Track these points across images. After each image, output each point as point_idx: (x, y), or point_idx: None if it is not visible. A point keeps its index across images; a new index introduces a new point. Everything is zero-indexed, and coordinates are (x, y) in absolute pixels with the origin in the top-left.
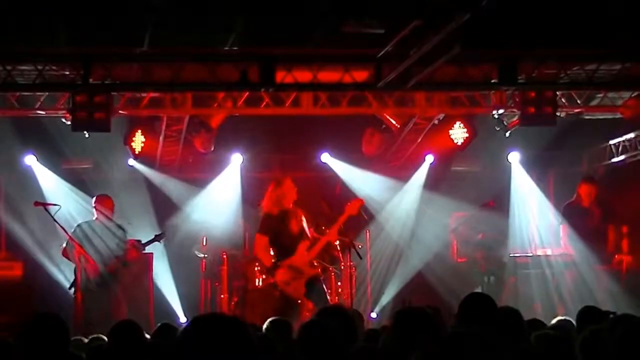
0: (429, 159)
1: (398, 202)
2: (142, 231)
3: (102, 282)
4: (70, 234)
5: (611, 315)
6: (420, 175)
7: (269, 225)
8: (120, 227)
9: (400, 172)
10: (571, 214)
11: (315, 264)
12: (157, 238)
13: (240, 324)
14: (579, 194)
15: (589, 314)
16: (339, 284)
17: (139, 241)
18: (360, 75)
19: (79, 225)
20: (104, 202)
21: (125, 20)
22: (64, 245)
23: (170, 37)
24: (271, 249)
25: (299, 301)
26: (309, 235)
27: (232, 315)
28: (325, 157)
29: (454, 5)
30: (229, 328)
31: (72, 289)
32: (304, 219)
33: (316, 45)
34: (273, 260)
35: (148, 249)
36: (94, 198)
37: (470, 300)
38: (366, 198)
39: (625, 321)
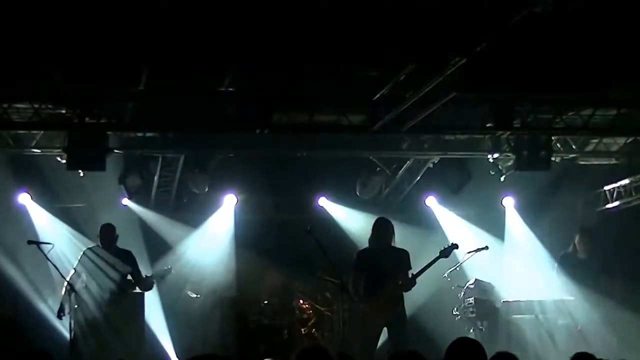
0: (430, 200)
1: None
2: None
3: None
4: (63, 273)
5: None
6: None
7: None
8: (127, 255)
9: (396, 213)
10: (567, 264)
11: (307, 306)
12: (165, 272)
13: None
14: (575, 246)
15: None
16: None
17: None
18: (356, 118)
19: (84, 253)
20: (107, 230)
21: (122, 59)
22: (71, 273)
23: (166, 77)
24: None
25: None
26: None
27: (225, 357)
28: (322, 201)
29: (450, 49)
30: None
31: (64, 316)
32: None
33: (312, 87)
34: None
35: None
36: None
37: (458, 345)
38: (360, 239)
39: None
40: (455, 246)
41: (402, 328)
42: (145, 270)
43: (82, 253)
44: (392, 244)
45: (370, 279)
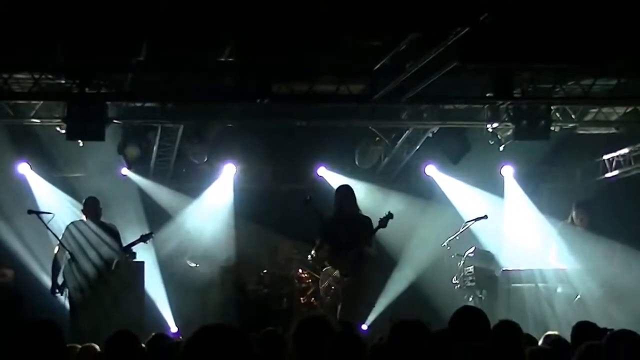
0: (430, 169)
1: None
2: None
3: (92, 287)
4: (64, 242)
5: (608, 332)
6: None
7: None
8: (111, 230)
9: (395, 183)
10: (566, 234)
11: (306, 275)
12: (142, 239)
13: (244, 334)
14: (573, 218)
15: (583, 329)
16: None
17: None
18: (356, 87)
19: (67, 228)
20: (92, 203)
21: (122, 30)
22: (56, 251)
23: (166, 48)
24: None
25: None
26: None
27: (236, 327)
28: (322, 171)
29: (452, 19)
30: (234, 339)
31: (58, 293)
32: None
33: (313, 57)
34: None
35: (140, 257)
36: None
37: (461, 314)
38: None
39: (625, 337)
40: (390, 215)
41: (352, 300)
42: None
43: (66, 228)
44: (356, 211)
45: (332, 248)
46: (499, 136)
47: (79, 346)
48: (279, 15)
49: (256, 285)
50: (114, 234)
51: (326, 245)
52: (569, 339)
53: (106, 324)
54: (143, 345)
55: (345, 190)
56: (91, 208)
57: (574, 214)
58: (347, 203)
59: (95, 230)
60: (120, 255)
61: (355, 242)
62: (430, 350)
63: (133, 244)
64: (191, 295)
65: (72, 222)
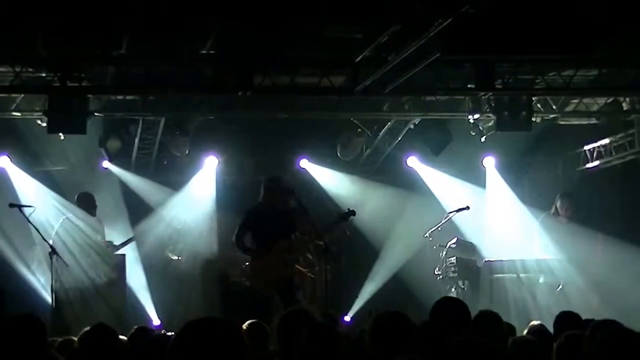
0: (412, 160)
1: (375, 204)
2: (116, 234)
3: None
4: (45, 236)
5: (590, 322)
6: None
7: None
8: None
9: (377, 174)
10: (549, 225)
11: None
12: (129, 241)
13: (235, 327)
14: (557, 209)
15: (565, 319)
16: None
17: (111, 242)
18: (338, 79)
19: (61, 224)
20: (87, 199)
21: (103, 23)
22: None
23: (148, 40)
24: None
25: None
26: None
27: (227, 319)
28: (304, 163)
29: (434, 10)
30: (224, 331)
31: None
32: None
33: (294, 49)
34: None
35: (121, 250)
36: (77, 196)
37: (442, 305)
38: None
39: (606, 327)
40: (352, 212)
41: (290, 294)
42: (126, 233)
43: (61, 220)
44: (285, 204)
45: (258, 240)
46: (480, 127)
47: (59, 339)
48: (261, 5)
49: (239, 278)
50: (98, 227)
51: (247, 233)
52: (551, 329)
53: (89, 317)
54: (124, 338)
55: (273, 184)
56: (85, 204)
57: (558, 203)
58: (272, 195)
59: (86, 223)
60: (104, 249)
61: (283, 235)
62: (411, 342)
63: (121, 246)
64: (173, 288)
65: (66, 218)
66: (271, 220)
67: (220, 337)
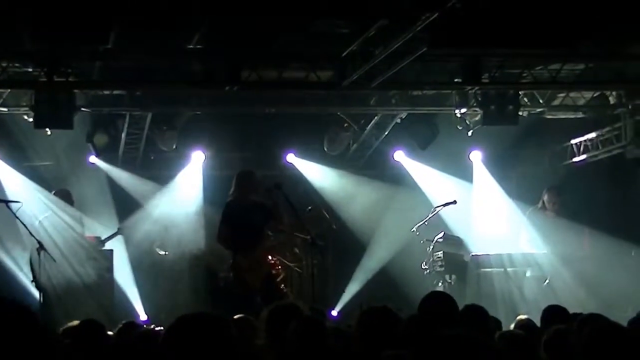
0: (399, 154)
1: (362, 199)
2: (103, 229)
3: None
4: (32, 231)
5: (577, 316)
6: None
7: None
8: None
9: (364, 169)
10: (536, 219)
11: (275, 261)
12: (115, 234)
13: (225, 322)
14: (544, 203)
15: (553, 313)
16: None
17: (99, 237)
18: (325, 74)
19: (40, 222)
20: (63, 196)
21: (90, 18)
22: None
23: (135, 35)
24: None
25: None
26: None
27: (217, 314)
28: (291, 157)
29: (421, 4)
30: (215, 327)
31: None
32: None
33: (282, 44)
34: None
35: (109, 245)
36: (53, 192)
37: (429, 299)
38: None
39: (593, 321)
40: (278, 185)
41: (272, 292)
42: (113, 228)
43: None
44: (256, 197)
45: (239, 234)
46: (467, 121)
47: None
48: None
49: (226, 273)
50: (79, 217)
51: (229, 228)
52: (538, 323)
53: (77, 313)
54: (111, 333)
55: (245, 176)
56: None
57: (545, 197)
58: (246, 187)
59: (66, 220)
60: (91, 244)
61: (261, 228)
62: (398, 337)
63: (107, 240)
64: (161, 283)
65: (45, 217)
66: (241, 214)
67: (211, 332)
